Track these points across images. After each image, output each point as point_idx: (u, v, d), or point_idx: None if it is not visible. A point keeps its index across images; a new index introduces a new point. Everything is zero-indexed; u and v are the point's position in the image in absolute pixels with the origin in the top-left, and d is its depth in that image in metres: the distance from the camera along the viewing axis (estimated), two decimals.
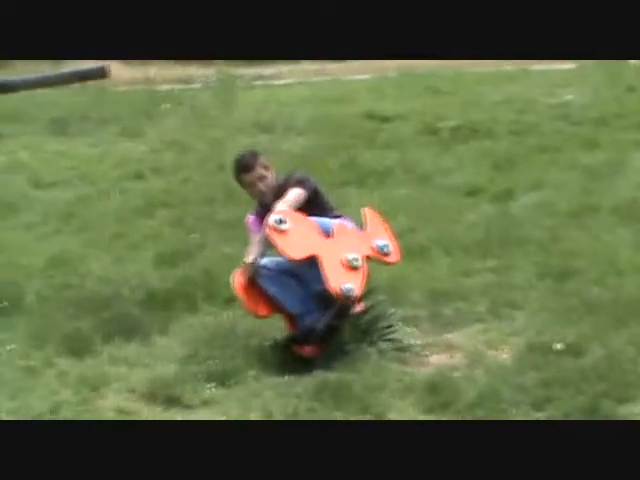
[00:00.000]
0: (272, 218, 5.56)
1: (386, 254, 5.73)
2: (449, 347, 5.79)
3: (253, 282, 5.79)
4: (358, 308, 5.86)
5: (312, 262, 5.53)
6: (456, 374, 5.37)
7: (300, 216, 5.67)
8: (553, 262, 6.80)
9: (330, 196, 6.09)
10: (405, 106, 11.65)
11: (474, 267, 6.86)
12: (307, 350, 5.63)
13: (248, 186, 5.97)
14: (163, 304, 6.45)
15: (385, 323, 5.87)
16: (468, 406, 4.99)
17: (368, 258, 5.66)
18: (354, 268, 5.52)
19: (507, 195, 8.46)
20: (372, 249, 5.69)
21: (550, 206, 8.06)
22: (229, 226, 7.97)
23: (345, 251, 5.57)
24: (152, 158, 10.25)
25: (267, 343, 5.84)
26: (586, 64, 13.13)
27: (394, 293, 6.31)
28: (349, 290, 5.41)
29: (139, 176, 9.71)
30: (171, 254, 7.36)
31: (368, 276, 5.64)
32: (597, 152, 9.52)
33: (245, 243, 6.53)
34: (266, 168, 5.97)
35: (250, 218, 6.04)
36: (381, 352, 5.62)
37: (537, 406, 4.98)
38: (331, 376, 5.35)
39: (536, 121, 10.75)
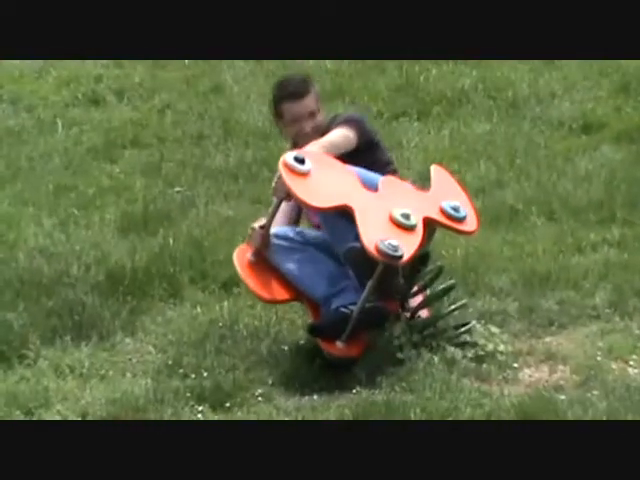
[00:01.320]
0: (288, 155, 5.61)
1: (458, 220, 5.75)
2: (551, 357, 5.81)
3: (264, 257, 5.87)
4: (415, 301, 5.89)
5: (344, 219, 5.58)
6: (562, 397, 5.39)
7: (331, 159, 5.72)
8: None
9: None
10: None
11: (589, 239, 6.86)
12: (339, 348, 5.68)
13: (290, 122, 6.03)
14: (131, 289, 6.49)
15: (455, 321, 5.89)
16: None
17: (429, 221, 5.69)
18: (404, 227, 5.57)
19: (638, 132, 8.45)
20: (438, 209, 5.71)
21: None
22: (229, 176, 8.01)
23: (394, 206, 5.61)
24: (115, 75, 10.29)
25: (284, 347, 5.88)
26: None
27: (470, 277, 6.37)
28: (393, 247, 5.44)
29: (96, 101, 9.74)
30: (143, 216, 7.40)
31: (424, 245, 5.67)
32: None
33: (252, 201, 6.57)
34: (317, 102, 6.07)
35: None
36: (450, 363, 5.66)
37: None
38: (377, 397, 5.39)
39: None
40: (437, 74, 9.71)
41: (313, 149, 5.76)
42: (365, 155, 5.89)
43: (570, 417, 5.14)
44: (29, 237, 7.17)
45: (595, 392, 5.42)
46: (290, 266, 5.86)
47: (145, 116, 9.30)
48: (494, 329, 5.97)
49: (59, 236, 7.16)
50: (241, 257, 5.94)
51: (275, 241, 5.87)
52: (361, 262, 5.60)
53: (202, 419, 5.35)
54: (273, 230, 5.89)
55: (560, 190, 7.52)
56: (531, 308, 6.18)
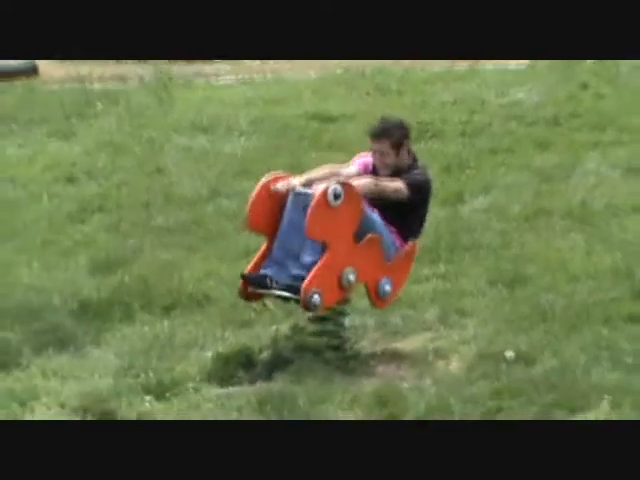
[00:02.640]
0: (332, 188, 5.53)
1: (379, 297, 5.81)
2: (397, 357, 5.84)
3: (278, 199, 5.76)
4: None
5: (319, 245, 5.61)
6: (404, 385, 5.43)
7: (357, 202, 5.61)
8: (504, 268, 6.88)
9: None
10: (351, 106, 11.70)
11: (423, 273, 6.91)
12: (249, 292, 5.75)
13: (372, 150, 5.94)
14: (97, 314, 6.43)
15: (331, 331, 5.90)
16: (417, 418, 5.04)
17: (363, 283, 5.73)
18: (341, 287, 5.60)
19: (457, 198, 8.53)
20: (375, 282, 5.74)
21: (501, 210, 8.15)
22: (167, 231, 7.96)
23: (352, 264, 5.59)
24: (85, 160, 10.19)
25: (208, 353, 5.85)
26: (538, 63, 13.28)
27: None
28: (314, 305, 5.49)
29: (71, 179, 9.64)
30: (106, 261, 7.34)
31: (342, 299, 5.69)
32: (549, 154, 9.64)
33: (186, 249, 6.57)
34: (398, 147, 5.86)
35: (362, 155, 6.03)
36: (326, 362, 5.66)
37: (488, 417, 5.04)
38: (274, 387, 5.39)
39: (487, 122, 10.85)
40: (315, 158, 9.75)
41: (363, 183, 5.69)
42: (408, 210, 5.80)
43: (410, 399, 5.20)
44: (23, 277, 7.08)
45: (427, 381, 5.48)
46: (287, 217, 5.72)
47: (107, 190, 9.22)
48: (358, 337, 6.00)
49: (45, 276, 7.08)
50: (265, 185, 5.80)
51: (295, 196, 5.72)
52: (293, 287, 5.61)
53: (149, 407, 5.33)
54: (302, 189, 5.73)
55: None
56: (384, 322, 6.22)
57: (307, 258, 5.63)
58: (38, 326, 6.17)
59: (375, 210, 5.77)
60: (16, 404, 5.35)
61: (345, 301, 5.80)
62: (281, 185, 5.79)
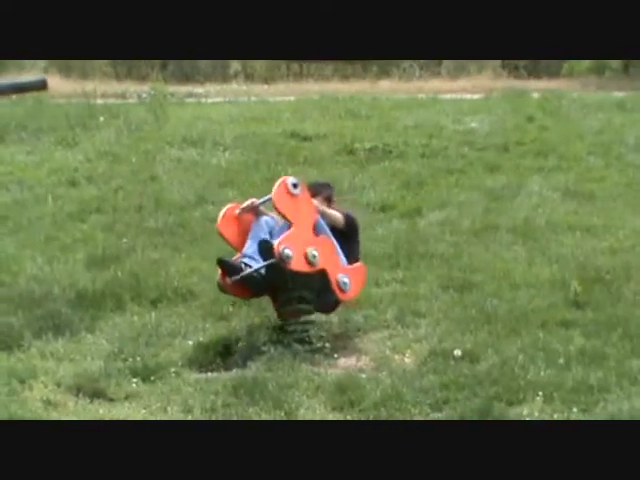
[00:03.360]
0: (290, 179, 5.65)
1: (341, 289, 5.82)
2: (357, 351, 5.84)
3: (245, 219, 5.91)
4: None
5: (286, 227, 5.69)
6: (363, 376, 5.42)
7: (313, 204, 5.79)
8: (455, 275, 6.90)
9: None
10: (325, 127, 11.71)
11: (383, 278, 6.92)
12: (227, 283, 5.73)
13: None
14: (92, 303, 6.39)
15: (299, 326, 5.90)
16: (373, 405, 5.05)
17: (323, 272, 5.72)
18: (307, 260, 5.63)
19: (415, 212, 8.55)
20: (335, 274, 5.77)
21: (454, 224, 8.17)
22: (157, 233, 7.93)
23: (314, 247, 5.67)
24: (86, 167, 10.14)
25: (189, 342, 5.83)
26: (492, 95, 13.35)
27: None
28: (287, 256, 5.51)
29: (73, 183, 9.59)
30: (101, 257, 7.30)
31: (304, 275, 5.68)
32: (498, 176, 9.68)
33: (173, 249, 6.56)
34: (328, 201, 6.14)
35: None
36: (294, 353, 5.65)
37: (436, 406, 5.05)
38: (248, 374, 5.37)
39: (444, 145, 10.88)
40: (291, 172, 9.74)
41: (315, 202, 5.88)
42: (344, 240, 5.99)
43: (367, 389, 5.19)
44: (27, 269, 7.03)
45: (384, 373, 5.48)
46: (253, 229, 5.86)
47: (105, 194, 9.18)
48: (323, 333, 5.98)
49: (47, 269, 7.03)
50: (229, 211, 5.95)
51: (259, 212, 5.94)
52: (268, 252, 5.64)
53: (135, 388, 5.30)
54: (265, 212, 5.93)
55: (367, 247, 7.53)
56: (347, 320, 6.20)
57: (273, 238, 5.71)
58: (39, 312, 6.13)
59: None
60: (16, 381, 5.30)
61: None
62: (244, 206, 5.96)
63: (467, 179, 9.59)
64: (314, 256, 5.68)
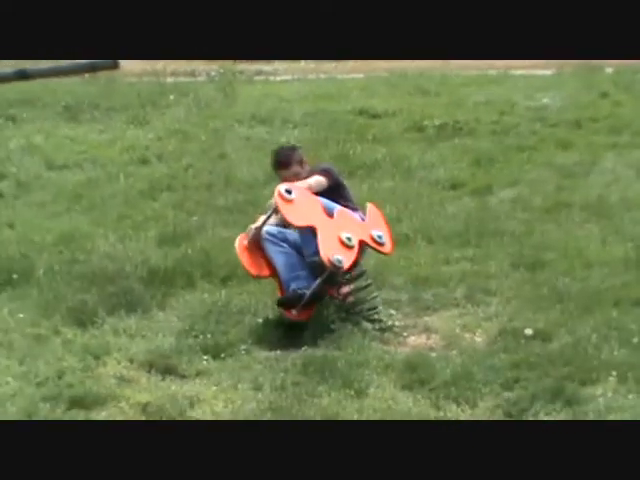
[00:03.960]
0: (281, 187, 5.63)
1: (380, 244, 5.79)
2: (427, 329, 5.81)
3: (258, 245, 5.85)
4: (345, 290, 5.89)
5: (311, 233, 5.60)
6: (433, 354, 5.40)
7: (307, 192, 5.74)
8: (526, 253, 6.82)
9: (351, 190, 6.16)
10: (394, 104, 11.63)
11: (453, 256, 6.87)
12: (293, 314, 5.66)
13: (282, 179, 5.99)
14: (163, 281, 6.45)
15: (369, 305, 5.89)
16: (443, 384, 5.02)
17: (362, 243, 5.71)
18: (347, 246, 5.60)
19: (486, 190, 8.47)
20: (368, 236, 5.75)
21: (525, 201, 8.08)
22: (227, 211, 7.97)
23: (342, 230, 5.64)
24: (157, 145, 10.22)
25: (259, 320, 5.85)
26: (564, 70, 13.14)
27: (378, 278, 6.32)
28: (339, 261, 5.48)
29: (145, 161, 9.68)
30: (172, 235, 7.36)
31: (358, 258, 5.69)
32: (570, 153, 9.53)
33: (243, 227, 6.58)
34: (301, 163, 6.04)
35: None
36: (364, 332, 5.64)
37: (506, 386, 5.01)
38: (317, 352, 5.38)
39: (515, 122, 10.74)
40: (360, 150, 9.72)
41: (298, 185, 5.77)
42: (336, 192, 5.90)
43: (437, 367, 5.17)
44: (100, 246, 7.11)
45: (454, 352, 5.45)
46: (271, 251, 5.81)
47: (175, 172, 9.25)
48: (392, 311, 5.98)
49: (119, 246, 7.11)
50: (240, 243, 5.91)
51: (266, 236, 5.84)
52: (318, 268, 5.59)
53: (206, 365, 5.34)
54: (266, 228, 5.86)
55: (436, 224, 7.54)
56: (416, 298, 6.18)
57: (308, 251, 5.65)
58: (112, 290, 6.20)
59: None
60: (91, 357, 5.38)
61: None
62: (247, 238, 5.91)
63: (539, 156, 9.46)
64: (349, 239, 5.64)
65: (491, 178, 8.77)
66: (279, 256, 5.80)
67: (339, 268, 5.51)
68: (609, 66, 13.18)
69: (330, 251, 5.50)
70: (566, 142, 9.89)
